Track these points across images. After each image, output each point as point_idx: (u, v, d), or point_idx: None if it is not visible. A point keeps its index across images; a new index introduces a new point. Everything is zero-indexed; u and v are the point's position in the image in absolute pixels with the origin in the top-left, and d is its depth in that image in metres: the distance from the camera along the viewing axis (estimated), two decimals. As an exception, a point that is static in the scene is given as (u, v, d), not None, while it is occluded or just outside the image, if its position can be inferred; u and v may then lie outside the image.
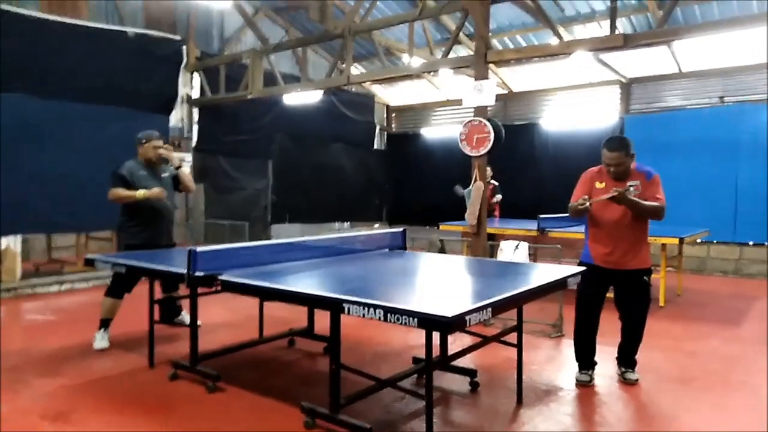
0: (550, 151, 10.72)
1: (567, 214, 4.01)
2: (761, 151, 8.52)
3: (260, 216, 10.36)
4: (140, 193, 4.62)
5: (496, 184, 8.67)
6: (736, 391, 3.89)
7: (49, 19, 7.29)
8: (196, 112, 9.78)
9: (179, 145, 9.12)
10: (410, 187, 12.54)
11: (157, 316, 4.34)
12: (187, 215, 10.35)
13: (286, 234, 9.77)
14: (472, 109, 6.09)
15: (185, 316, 5.12)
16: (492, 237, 7.09)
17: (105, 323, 4.69)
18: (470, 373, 3.88)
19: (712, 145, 8.99)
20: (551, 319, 5.25)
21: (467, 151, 6.02)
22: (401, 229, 4.90)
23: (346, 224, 12.83)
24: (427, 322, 2.43)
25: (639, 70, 9.88)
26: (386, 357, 4.52)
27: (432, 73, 9.82)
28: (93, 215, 6.94)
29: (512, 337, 3.63)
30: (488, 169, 6.80)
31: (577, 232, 6.11)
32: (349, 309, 2.65)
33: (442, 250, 9.82)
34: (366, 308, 2.58)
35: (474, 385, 3.81)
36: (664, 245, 6.45)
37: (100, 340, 4.63)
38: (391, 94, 13.17)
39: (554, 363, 4.46)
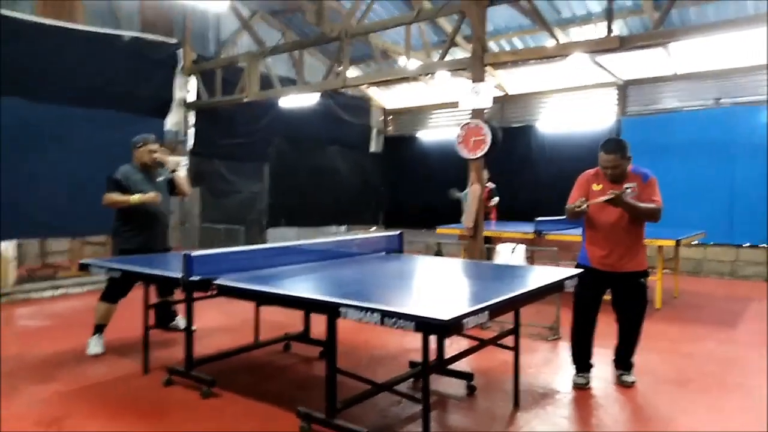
0: (546, 154, 10.72)
1: (564, 217, 3.99)
2: (757, 152, 8.52)
3: (256, 219, 10.34)
4: (134, 197, 4.60)
5: (493, 186, 8.66)
6: (733, 393, 3.89)
7: (45, 23, 7.25)
8: (192, 115, 9.76)
9: (175, 149, 9.09)
10: (407, 190, 12.53)
11: (152, 321, 4.32)
12: (182, 219, 10.31)
13: (282, 237, 9.76)
14: (469, 112, 6.09)
15: (180, 321, 5.08)
16: (489, 240, 7.07)
17: (99, 328, 4.67)
18: (467, 376, 3.87)
19: (708, 147, 9.00)
20: (548, 322, 5.24)
21: (464, 153, 6.00)
22: (398, 232, 4.88)
23: (343, 227, 12.81)
24: (424, 325, 2.41)
25: (635, 72, 9.89)
26: (383, 361, 4.50)
27: (429, 76, 9.81)
28: (89, 219, 6.87)
29: (509, 340, 3.61)
30: (485, 171, 6.79)
31: (574, 234, 6.09)
32: (345, 313, 2.63)
33: (438, 253, 9.80)
34: (362, 312, 2.57)
35: (471, 389, 3.81)
36: (660, 247, 6.45)
37: (95, 346, 4.61)
38: (387, 97, 13.17)
39: (551, 366, 4.46)
